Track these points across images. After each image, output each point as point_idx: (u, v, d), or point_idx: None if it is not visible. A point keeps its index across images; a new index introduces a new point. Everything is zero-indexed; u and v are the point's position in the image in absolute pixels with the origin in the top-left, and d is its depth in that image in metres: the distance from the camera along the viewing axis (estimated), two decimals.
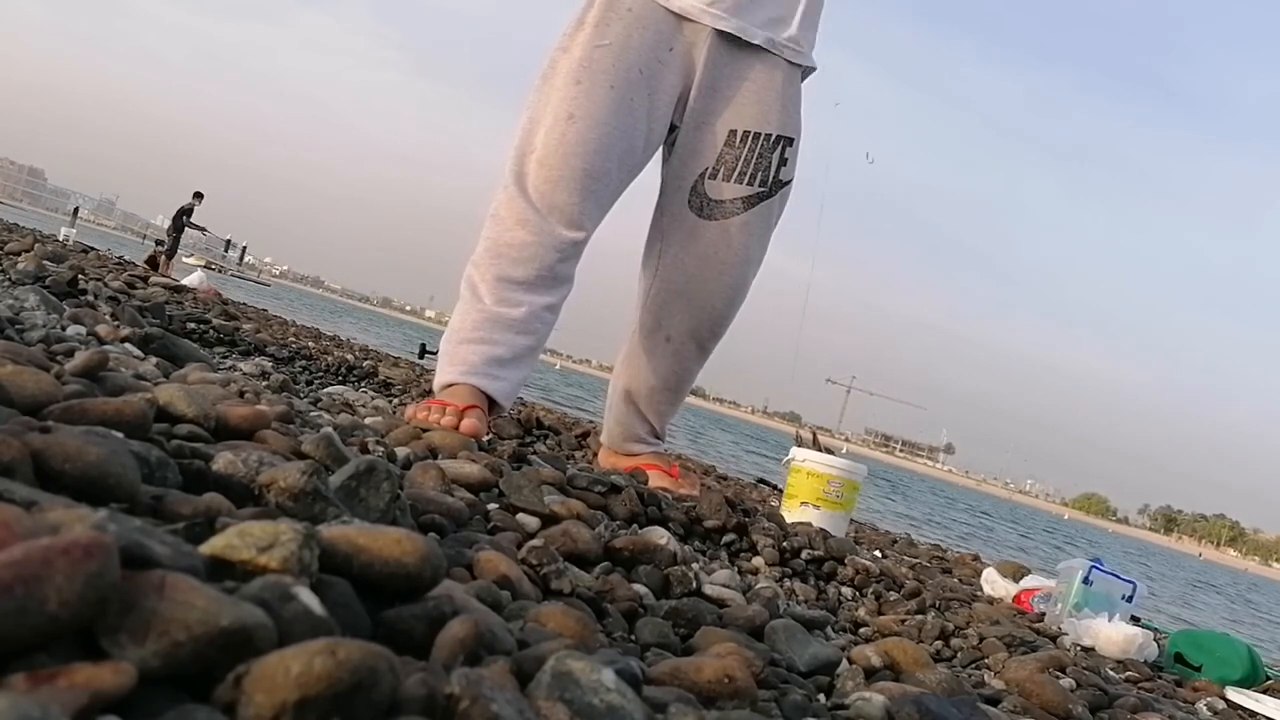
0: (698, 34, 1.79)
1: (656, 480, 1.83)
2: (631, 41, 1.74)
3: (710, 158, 1.84)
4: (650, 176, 1.94)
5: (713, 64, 1.80)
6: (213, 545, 0.48)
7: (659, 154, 1.92)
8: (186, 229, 15.47)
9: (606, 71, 1.73)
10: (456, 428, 1.54)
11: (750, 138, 1.83)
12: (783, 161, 1.87)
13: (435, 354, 2.13)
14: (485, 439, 1.57)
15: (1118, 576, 1.88)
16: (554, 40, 1.81)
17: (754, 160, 1.84)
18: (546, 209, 1.73)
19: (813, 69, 1.94)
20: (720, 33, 1.79)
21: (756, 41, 1.82)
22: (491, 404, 1.75)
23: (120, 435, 0.64)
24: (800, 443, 2.39)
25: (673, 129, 1.87)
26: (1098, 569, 1.85)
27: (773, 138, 1.85)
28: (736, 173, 1.84)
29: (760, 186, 1.86)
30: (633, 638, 0.81)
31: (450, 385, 1.73)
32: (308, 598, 0.45)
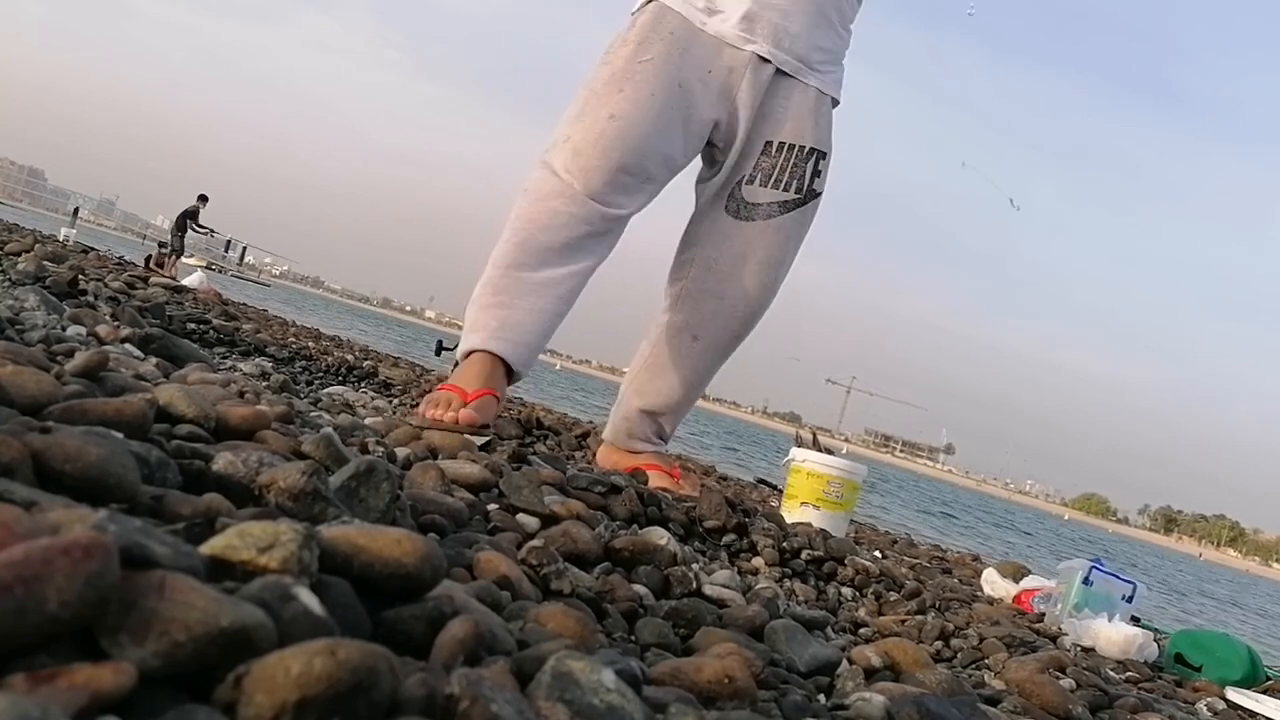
0: (737, 59, 1.86)
1: (657, 480, 1.85)
2: (673, 58, 1.82)
3: (748, 167, 1.92)
4: (683, 195, 2.01)
5: (751, 87, 1.87)
6: (213, 545, 0.48)
7: (693, 174, 2.00)
8: (190, 231, 15.45)
9: (648, 80, 1.80)
10: (456, 422, 1.56)
11: (786, 148, 1.92)
12: (816, 173, 1.95)
13: (451, 350, 2.19)
14: (488, 433, 1.57)
15: (1118, 576, 1.88)
16: (597, 56, 1.89)
17: (789, 168, 1.92)
18: (583, 190, 1.78)
19: (838, 101, 2.02)
20: (760, 58, 1.87)
21: (787, 70, 1.90)
22: (509, 371, 1.80)
23: (120, 435, 0.64)
24: (800, 443, 2.39)
25: (710, 146, 1.95)
26: (1098, 569, 1.85)
27: (807, 149, 1.93)
28: (773, 179, 1.92)
29: (795, 193, 1.94)
30: (633, 638, 0.81)
31: (470, 353, 1.79)
32: (308, 598, 0.45)
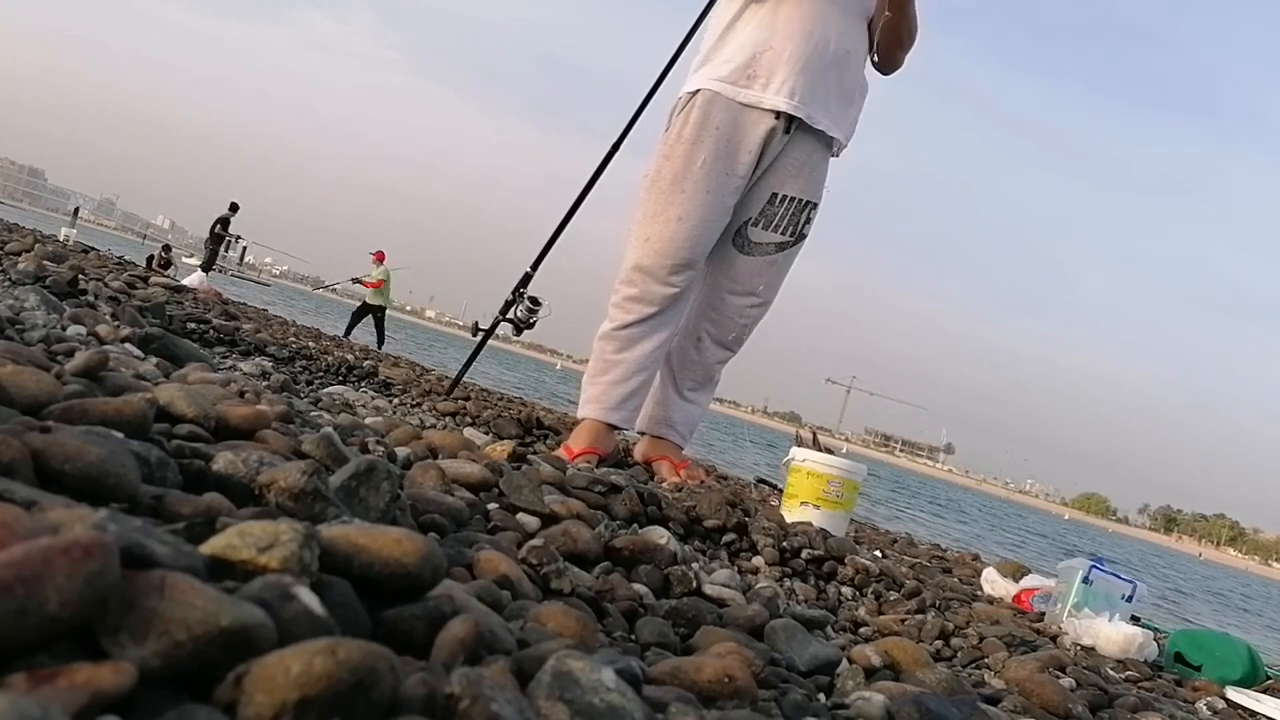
0: (774, 121, 2.27)
1: (662, 469, 2.35)
2: (721, 153, 2.27)
3: (755, 211, 2.38)
4: None
5: (775, 143, 2.30)
6: (213, 545, 0.48)
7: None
8: (224, 240, 15.16)
9: (705, 179, 2.26)
10: None
11: (789, 200, 2.38)
12: (807, 220, 2.43)
13: (486, 330, 2.68)
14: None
15: (1118, 576, 1.88)
16: (657, 144, 2.33)
17: (789, 217, 2.39)
18: (656, 280, 2.27)
19: (843, 147, 2.45)
20: (788, 118, 2.27)
21: (818, 126, 2.30)
22: (614, 426, 2.33)
23: (120, 435, 0.64)
24: (800, 443, 2.39)
25: None
26: (1098, 569, 1.85)
27: (804, 201, 2.40)
28: (774, 225, 2.39)
29: (790, 237, 2.42)
30: (633, 637, 0.81)
31: (582, 419, 2.32)
32: (308, 597, 0.45)
